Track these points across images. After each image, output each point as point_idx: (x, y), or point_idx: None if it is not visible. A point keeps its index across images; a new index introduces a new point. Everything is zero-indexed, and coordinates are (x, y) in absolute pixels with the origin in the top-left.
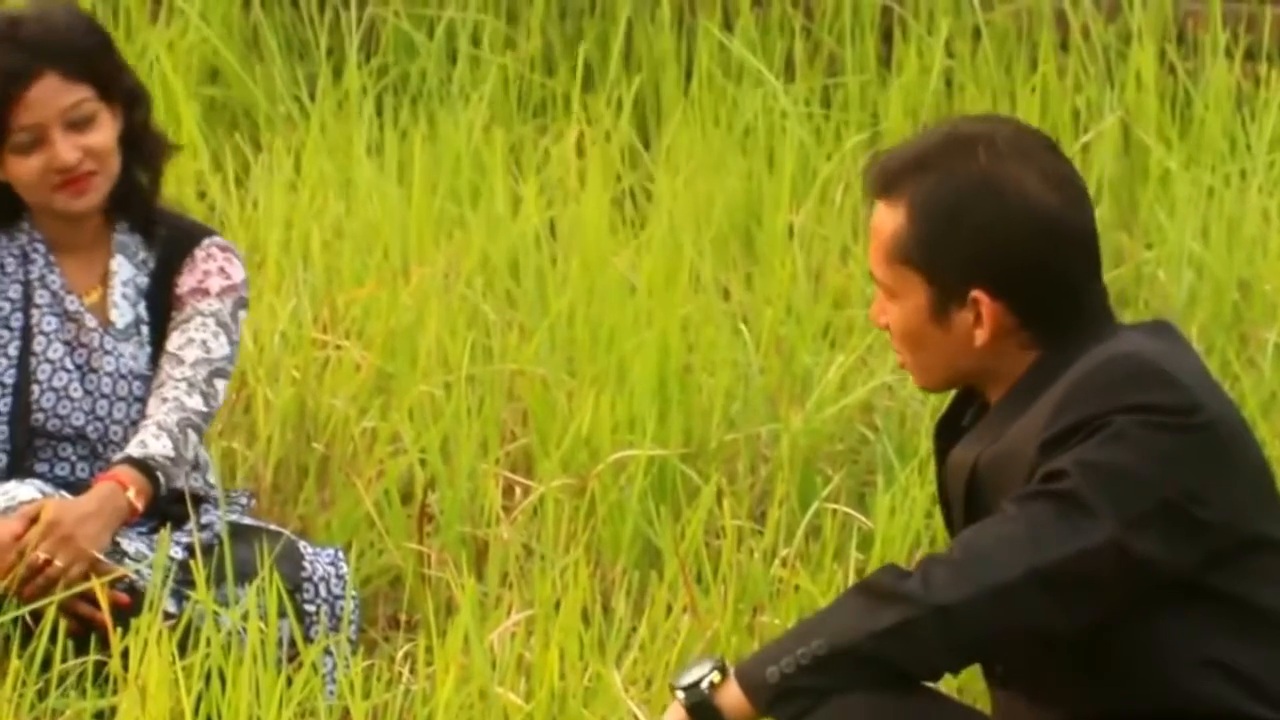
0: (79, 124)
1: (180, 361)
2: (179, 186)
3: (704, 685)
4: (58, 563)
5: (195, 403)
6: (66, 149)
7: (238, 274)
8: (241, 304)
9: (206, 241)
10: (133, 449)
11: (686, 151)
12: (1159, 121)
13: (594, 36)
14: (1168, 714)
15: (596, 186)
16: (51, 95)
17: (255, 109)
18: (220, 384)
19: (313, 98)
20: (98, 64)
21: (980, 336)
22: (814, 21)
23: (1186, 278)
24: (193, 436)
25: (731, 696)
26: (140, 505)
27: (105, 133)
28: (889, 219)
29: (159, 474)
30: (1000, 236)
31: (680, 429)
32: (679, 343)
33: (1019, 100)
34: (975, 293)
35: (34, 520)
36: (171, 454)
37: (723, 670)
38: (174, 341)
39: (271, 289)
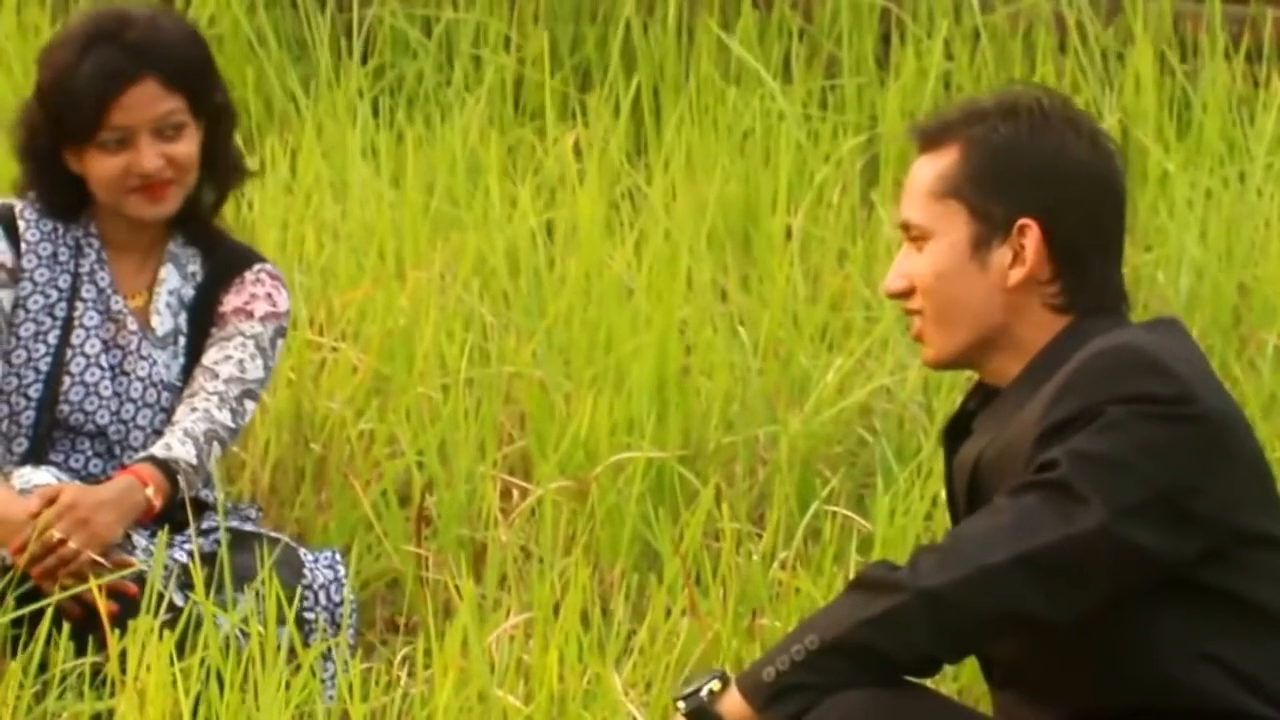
0: (167, 132)
1: (215, 375)
2: None
3: (703, 693)
4: (71, 544)
5: (224, 417)
6: (150, 155)
7: (283, 303)
8: (281, 332)
9: (258, 266)
10: (157, 449)
11: (684, 154)
12: (1158, 123)
13: (594, 39)
14: (1165, 710)
15: (594, 188)
16: (148, 101)
17: (253, 110)
18: (250, 405)
19: (310, 99)
20: (195, 76)
21: (1016, 275)
22: (812, 24)
23: (1185, 280)
24: (216, 449)
25: (731, 702)
26: (157, 504)
27: (190, 144)
28: (936, 161)
29: (180, 478)
30: (1058, 170)
31: (678, 431)
32: (677, 345)
33: None
34: (1024, 220)
35: (51, 501)
36: (194, 461)
37: (723, 680)
38: (211, 356)
39: None
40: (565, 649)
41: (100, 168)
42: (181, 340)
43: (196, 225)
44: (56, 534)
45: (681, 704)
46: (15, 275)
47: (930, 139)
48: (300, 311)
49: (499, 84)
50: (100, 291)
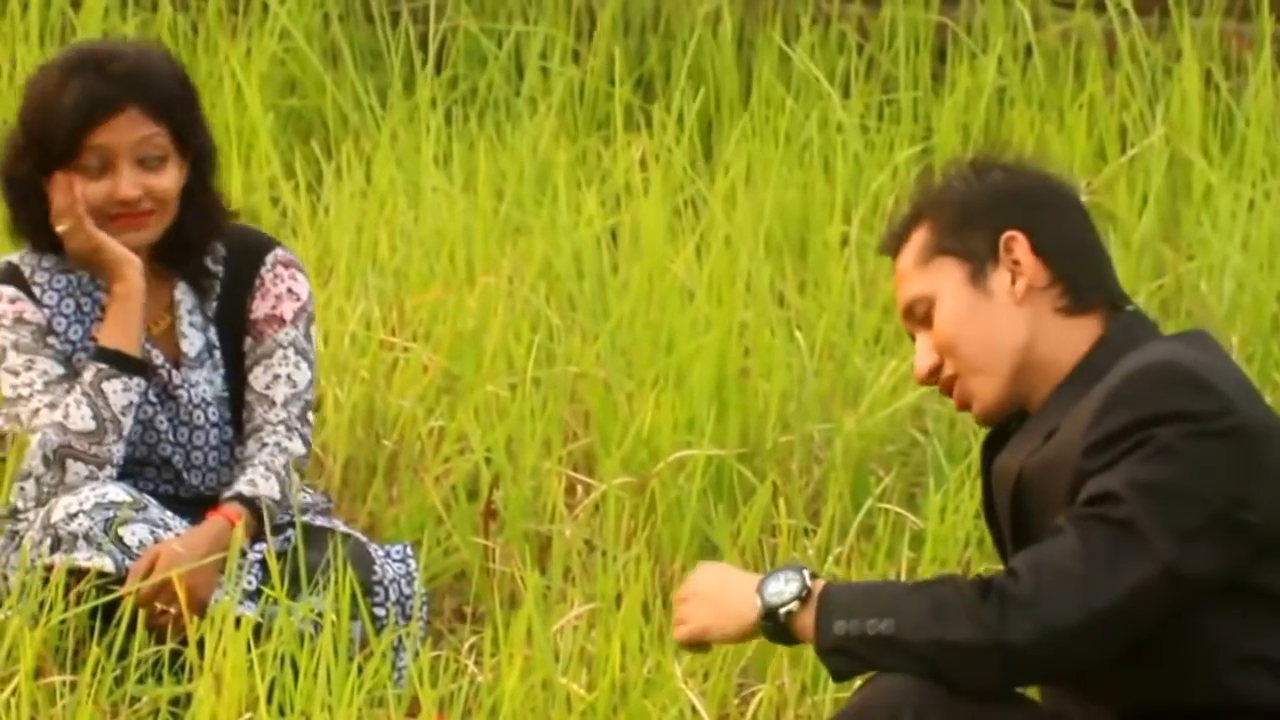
0: (148, 162)
1: (272, 403)
2: (254, 193)
3: (786, 605)
4: (173, 610)
5: (296, 446)
6: (129, 184)
7: (304, 289)
8: (311, 320)
9: (270, 259)
10: (243, 487)
11: (745, 163)
12: (1203, 138)
13: (658, 52)
14: (1212, 709)
15: (657, 196)
16: (129, 126)
17: (329, 118)
18: (311, 416)
19: (384, 108)
20: (178, 111)
21: (1020, 287)
22: (870, 39)
23: (1227, 289)
24: (296, 479)
25: (804, 624)
26: (245, 543)
27: (170, 178)
28: (911, 250)
29: (265, 513)
30: (1016, 192)
31: (737, 430)
32: (736, 347)
33: (1067, 116)
34: (1008, 233)
35: (148, 570)
36: (278, 497)
37: (804, 598)
38: (260, 379)
39: (342, 292)
40: (627, 639)
41: (85, 193)
42: (216, 353)
43: (182, 262)
44: (159, 605)
45: (760, 601)
46: (49, 330)
47: (899, 239)
48: (373, 312)
49: (568, 94)
50: None
